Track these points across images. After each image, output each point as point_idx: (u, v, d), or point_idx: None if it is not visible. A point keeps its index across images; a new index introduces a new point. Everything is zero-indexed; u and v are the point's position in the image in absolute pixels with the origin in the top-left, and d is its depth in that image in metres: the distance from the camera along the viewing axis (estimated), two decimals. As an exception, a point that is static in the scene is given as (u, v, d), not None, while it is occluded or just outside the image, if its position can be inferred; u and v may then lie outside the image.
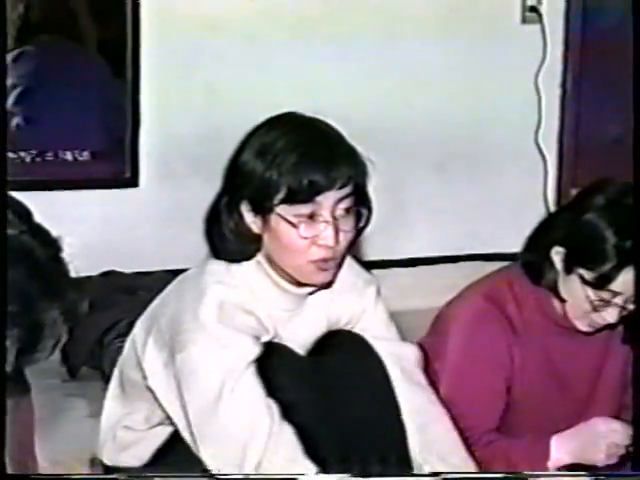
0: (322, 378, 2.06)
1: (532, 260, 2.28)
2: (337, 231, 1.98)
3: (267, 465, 1.94)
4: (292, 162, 1.96)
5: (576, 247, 2.19)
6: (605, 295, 2.17)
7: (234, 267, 2.06)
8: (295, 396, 2.01)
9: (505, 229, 3.60)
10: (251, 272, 2.06)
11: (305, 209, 1.97)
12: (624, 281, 2.14)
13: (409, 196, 3.73)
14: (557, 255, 2.21)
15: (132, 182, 3.51)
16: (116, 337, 2.93)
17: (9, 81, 3.28)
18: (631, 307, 2.18)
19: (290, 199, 1.96)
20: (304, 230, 1.97)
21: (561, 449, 2.18)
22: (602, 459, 2.17)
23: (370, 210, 2.05)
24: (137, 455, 2.13)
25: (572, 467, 2.21)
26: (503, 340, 2.26)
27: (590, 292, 2.18)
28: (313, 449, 1.98)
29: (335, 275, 2.09)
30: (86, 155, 3.46)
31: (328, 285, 2.12)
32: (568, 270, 2.20)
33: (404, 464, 2.09)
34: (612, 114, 3.69)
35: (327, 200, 1.97)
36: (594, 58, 3.85)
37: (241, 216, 2.03)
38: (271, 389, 2.00)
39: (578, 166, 3.88)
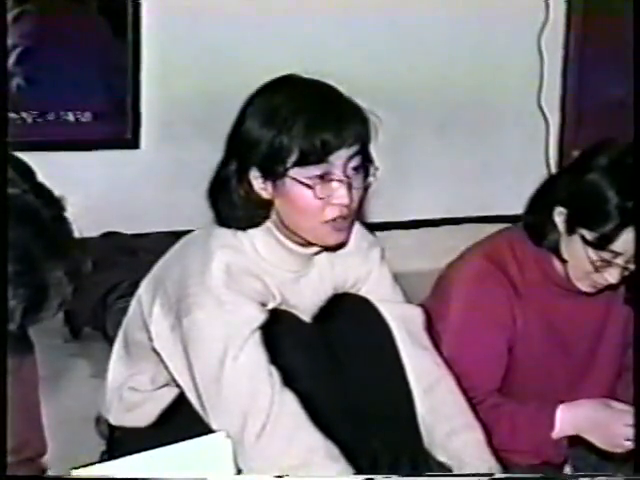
0: (328, 344, 2.07)
1: (534, 221, 2.28)
2: (350, 189, 1.99)
3: (271, 432, 1.94)
4: (302, 125, 1.95)
5: (578, 207, 2.19)
6: (606, 255, 2.17)
7: (241, 231, 2.06)
8: (300, 363, 2.01)
9: (506, 191, 3.60)
10: (258, 236, 2.06)
11: (318, 170, 1.97)
12: (625, 241, 2.14)
13: (411, 158, 3.72)
14: (559, 216, 2.22)
15: (133, 143, 3.51)
16: (118, 298, 2.94)
17: (9, 41, 3.27)
18: (632, 267, 2.18)
19: (302, 161, 1.96)
20: (319, 191, 1.97)
21: (566, 421, 2.19)
22: (614, 447, 2.16)
23: (375, 165, 2.05)
24: (143, 416, 2.13)
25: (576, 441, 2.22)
26: (505, 301, 2.26)
27: (591, 252, 2.18)
28: (319, 416, 1.98)
29: (349, 235, 2.10)
30: (88, 116, 3.45)
31: (342, 246, 2.12)
32: (570, 231, 2.21)
33: (411, 427, 2.10)
34: (615, 76, 3.67)
35: (339, 159, 1.97)
36: (597, 19, 3.83)
37: (250, 184, 2.02)
38: (276, 356, 2.00)
39: (580, 128, 3.87)
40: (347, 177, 1.99)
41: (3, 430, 1.43)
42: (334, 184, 1.98)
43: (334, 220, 2.00)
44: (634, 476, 1.90)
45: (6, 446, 1.46)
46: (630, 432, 2.13)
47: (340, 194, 1.98)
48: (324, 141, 1.95)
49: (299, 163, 1.97)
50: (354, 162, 2.00)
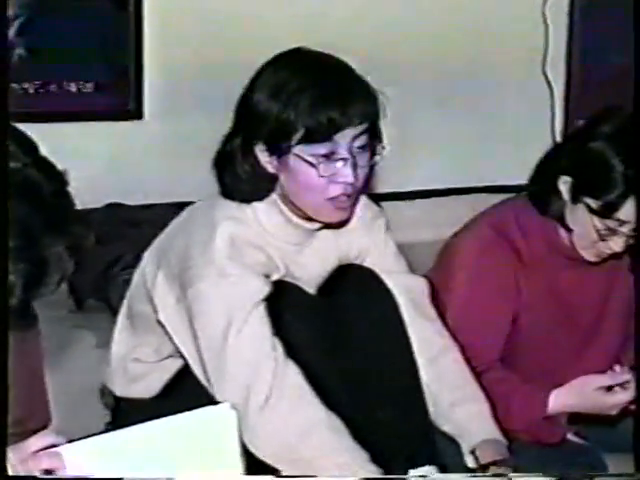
0: (332, 316, 2.07)
1: (539, 190, 2.27)
2: (355, 168, 1.97)
3: (274, 405, 1.95)
4: (308, 101, 1.94)
5: (583, 176, 2.18)
6: (611, 224, 2.17)
7: (245, 203, 2.06)
8: (304, 335, 2.01)
9: (511, 161, 3.57)
10: (262, 208, 2.06)
11: (323, 149, 1.95)
12: (630, 209, 2.13)
13: (414, 128, 3.70)
14: (564, 184, 2.21)
15: (136, 114, 3.49)
16: (122, 269, 2.94)
17: (10, 11, 3.25)
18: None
19: (308, 139, 1.95)
20: (323, 169, 1.96)
21: (558, 405, 2.20)
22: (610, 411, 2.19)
23: (382, 143, 2.04)
24: (148, 387, 2.14)
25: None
26: (509, 271, 2.26)
27: (596, 221, 2.18)
28: (323, 388, 1.98)
29: (352, 213, 2.09)
30: (90, 87, 3.44)
31: (345, 223, 2.12)
32: (575, 199, 2.20)
33: (416, 398, 2.10)
34: (620, 44, 3.64)
35: (344, 138, 1.96)
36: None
37: (256, 157, 2.01)
38: (280, 328, 2.00)
39: (586, 96, 3.84)
40: (352, 156, 1.97)
41: (4, 429, 1.43)
42: (338, 162, 1.97)
43: (337, 198, 1.99)
44: (634, 475, 1.91)
45: (6, 445, 1.46)
46: (621, 399, 2.15)
47: (344, 173, 1.97)
48: (330, 119, 1.94)
49: (304, 140, 1.95)
50: (360, 141, 1.98)
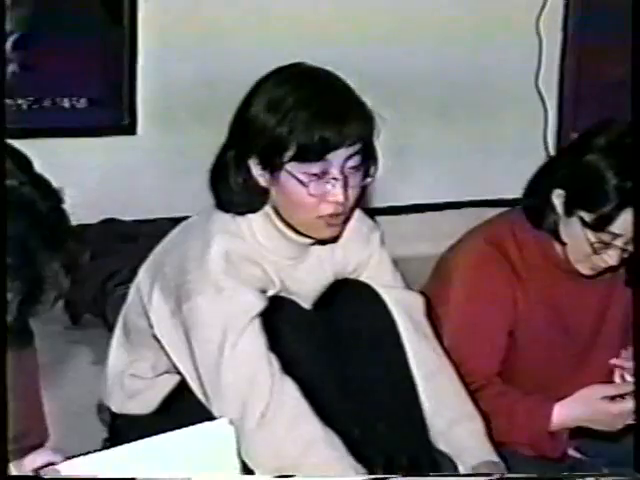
0: (329, 331, 2.06)
1: (533, 204, 2.28)
2: (346, 187, 1.98)
3: (271, 421, 1.94)
4: (303, 119, 1.94)
5: (577, 189, 2.19)
6: (605, 237, 2.17)
7: (240, 217, 2.06)
8: (300, 350, 2.01)
9: (506, 174, 3.59)
10: (257, 221, 2.06)
11: (315, 168, 1.96)
12: (624, 222, 2.13)
13: (410, 142, 3.71)
14: (558, 198, 2.21)
15: (130, 129, 3.50)
16: (118, 284, 2.94)
17: (4, 27, 3.25)
18: (631, 249, 2.18)
19: (301, 157, 1.95)
20: (313, 188, 1.96)
21: (562, 417, 2.19)
22: (614, 427, 2.18)
23: (376, 164, 2.04)
24: (145, 403, 2.14)
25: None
26: (506, 284, 2.26)
27: (590, 234, 2.18)
28: (320, 403, 1.98)
29: (342, 230, 2.10)
30: (83, 102, 3.45)
31: (335, 239, 2.12)
32: (569, 213, 2.20)
33: (414, 413, 2.10)
34: (613, 58, 3.66)
35: (337, 158, 1.96)
36: (596, 1, 3.81)
37: (249, 170, 2.02)
38: (276, 344, 1.99)
39: (579, 111, 3.86)
40: (344, 176, 1.98)
41: (4, 432, 1.43)
42: (330, 182, 1.97)
43: (328, 216, 2.00)
44: (634, 475, 1.91)
45: (7, 447, 1.45)
46: (625, 408, 2.14)
47: (335, 192, 1.97)
48: (323, 138, 1.94)
49: (297, 158, 1.96)
50: (353, 161, 1.98)
